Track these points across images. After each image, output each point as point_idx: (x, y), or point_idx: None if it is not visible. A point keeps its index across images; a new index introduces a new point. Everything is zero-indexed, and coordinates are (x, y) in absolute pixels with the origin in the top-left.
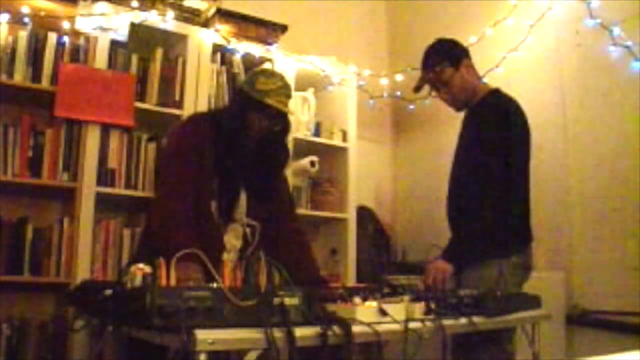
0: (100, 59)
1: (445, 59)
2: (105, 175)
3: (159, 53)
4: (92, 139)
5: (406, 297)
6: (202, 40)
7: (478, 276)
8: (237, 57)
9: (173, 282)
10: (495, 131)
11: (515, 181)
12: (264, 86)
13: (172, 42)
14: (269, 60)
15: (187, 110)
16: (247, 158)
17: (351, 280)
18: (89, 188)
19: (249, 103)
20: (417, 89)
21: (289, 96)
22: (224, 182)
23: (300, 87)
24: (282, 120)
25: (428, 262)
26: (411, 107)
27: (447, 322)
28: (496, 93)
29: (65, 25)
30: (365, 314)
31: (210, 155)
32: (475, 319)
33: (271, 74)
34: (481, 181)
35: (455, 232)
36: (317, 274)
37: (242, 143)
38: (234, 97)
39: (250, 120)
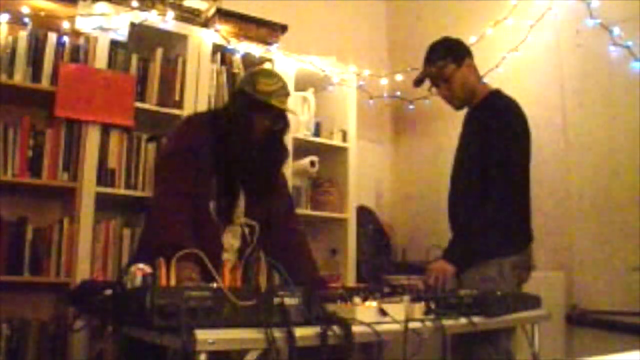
0: (100, 59)
1: (448, 55)
2: (105, 175)
3: (159, 53)
4: (92, 139)
5: (406, 297)
6: (202, 40)
7: (478, 276)
8: (237, 57)
9: (173, 281)
10: (495, 132)
11: (516, 182)
12: (266, 87)
13: (172, 42)
14: (269, 60)
15: (187, 110)
16: (248, 158)
17: (351, 280)
18: (89, 188)
19: (252, 104)
20: (418, 82)
21: (288, 95)
22: (223, 182)
23: (300, 87)
24: (282, 120)
25: (429, 263)
26: (411, 107)
27: (447, 322)
28: (496, 94)
29: (65, 25)
30: (365, 314)
31: (209, 155)
32: (475, 319)
33: (270, 74)
34: (481, 182)
35: (455, 232)
36: (316, 274)
37: (246, 144)
38: (235, 98)
39: (254, 121)
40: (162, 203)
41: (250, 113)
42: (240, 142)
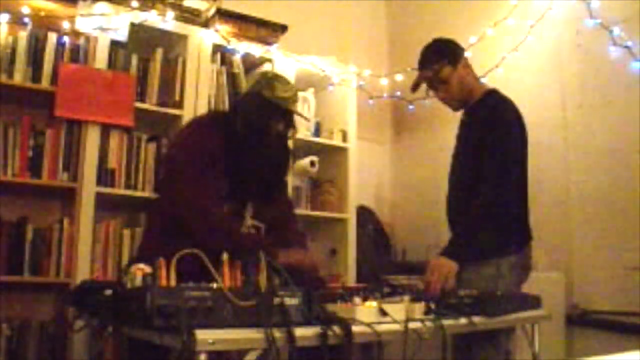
0: (100, 59)
1: (443, 58)
2: (105, 175)
3: (159, 53)
4: (92, 139)
5: (406, 297)
6: (202, 40)
7: (476, 276)
8: (237, 57)
9: (173, 282)
10: (491, 131)
11: (511, 180)
12: (284, 93)
13: (172, 42)
14: (269, 60)
15: (187, 110)
16: (262, 161)
17: (351, 280)
18: (89, 188)
19: (272, 109)
20: (415, 87)
21: (298, 101)
22: (236, 185)
23: (300, 87)
24: (293, 125)
25: (430, 260)
26: (411, 107)
27: (447, 322)
28: (493, 93)
29: (65, 25)
30: (365, 314)
31: (222, 159)
32: (475, 319)
33: (285, 80)
34: (478, 181)
35: (454, 231)
36: (316, 275)
37: (261, 147)
38: (250, 102)
39: (271, 125)
40: (201, 207)
41: (269, 117)
42: (256, 145)
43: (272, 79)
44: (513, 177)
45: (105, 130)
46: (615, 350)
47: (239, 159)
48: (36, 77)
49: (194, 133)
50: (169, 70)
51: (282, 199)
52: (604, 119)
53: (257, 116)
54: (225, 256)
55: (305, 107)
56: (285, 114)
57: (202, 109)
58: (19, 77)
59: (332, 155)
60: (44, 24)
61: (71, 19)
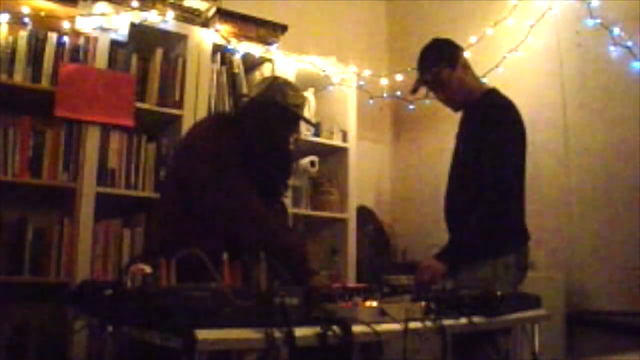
0: (100, 59)
1: (442, 60)
2: (105, 175)
3: (159, 53)
4: (92, 139)
5: (406, 297)
6: (202, 40)
7: (474, 276)
8: (237, 57)
9: (173, 281)
10: (489, 131)
11: (508, 181)
12: (295, 100)
13: (172, 42)
14: (269, 60)
15: (187, 110)
16: (270, 165)
17: (351, 280)
18: (89, 188)
19: (285, 116)
20: (414, 90)
21: None
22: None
23: (300, 87)
24: (299, 130)
25: (421, 261)
26: (411, 107)
27: (447, 322)
28: (492, 93)
29: (65, 25)
30: (365, 314)
31: (241, 160)
32: (475, 319)
33: (295, 87)
34: (476, 181)
35: (452, 231)
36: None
37: (273, 152)
38: (266, 108)
39: (282, 131)
40: (254, 202)
41: (281, 123)
42: (266, 149)
43: (284, 86)
44: (511, 177)
45: (105, 130)
46: (615, 350)
47: (252, 161)
48: (36, 77)
49: (218, 134)
50: (169, 70)
51: (279, 203)
52: (604, 119)
53: (270, 122)
54: (225, 256)
55: (306, 107)
56: (295, 120)
57: (202, 109)
58: (19, 77)
59: (332, 155)
60: (44, 24)
61: (71, 19)
